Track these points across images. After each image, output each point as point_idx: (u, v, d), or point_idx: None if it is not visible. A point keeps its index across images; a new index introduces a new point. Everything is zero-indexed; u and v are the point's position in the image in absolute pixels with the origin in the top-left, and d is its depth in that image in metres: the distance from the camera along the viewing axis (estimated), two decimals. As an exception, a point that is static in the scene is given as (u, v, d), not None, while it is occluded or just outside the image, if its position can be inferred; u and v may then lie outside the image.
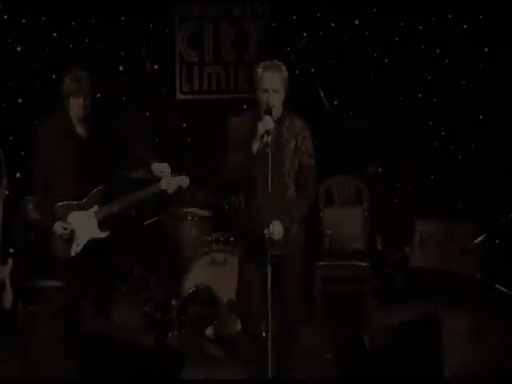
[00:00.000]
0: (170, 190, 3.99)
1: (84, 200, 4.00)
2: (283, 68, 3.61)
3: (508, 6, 5.30)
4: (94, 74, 5.85)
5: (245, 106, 4.79)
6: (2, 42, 5.88)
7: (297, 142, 3.65)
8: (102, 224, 4.01)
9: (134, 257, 5.79)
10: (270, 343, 3.36)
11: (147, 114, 6.04)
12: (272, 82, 3.54)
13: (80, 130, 3.98)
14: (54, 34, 5.92)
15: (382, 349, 3.32)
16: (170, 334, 4.57)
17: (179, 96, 6.09)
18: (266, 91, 3.54)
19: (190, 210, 5.36)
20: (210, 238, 4.95)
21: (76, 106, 3.88)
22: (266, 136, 3.41)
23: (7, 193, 4.01)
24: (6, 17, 5.88)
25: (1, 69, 5.93)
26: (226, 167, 3.63)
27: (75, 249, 3.98)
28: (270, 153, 3.36)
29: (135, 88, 5.60)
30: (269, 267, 3.36)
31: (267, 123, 3.43)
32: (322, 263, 4.83)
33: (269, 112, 3.48)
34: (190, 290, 4.65)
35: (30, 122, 5.97)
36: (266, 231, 3.40)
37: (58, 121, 3.97)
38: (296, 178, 3.67)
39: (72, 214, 3.98)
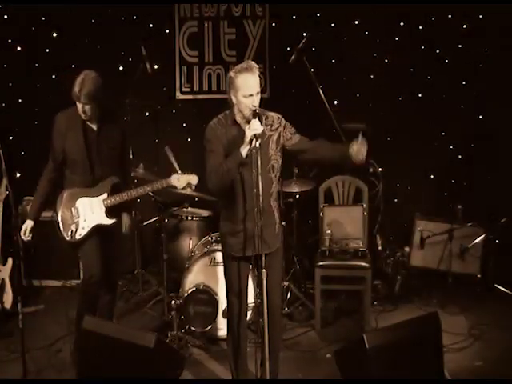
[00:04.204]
0: (180, 186, 4.12)
1: (95, 187, 4.13)
2: (256, 66, 3.54)
3: (507, 5, 5.29)
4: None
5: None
6: (2, 42, 5.89)
7: (279, 134, 3.67)
8: (110, 211, 4.14)
9: (134, 257, 5.80)
10: (266, 342, 3.36)
11: (147, 114, 6.05)
12: (255, 86, 3.50)
13: (90, 123, 4.10)
14: (54, 34, 5.93)
15: (382, 349, 3.32)
16: (169, 334, 4.57)
17: (179, 96, 6.10)
18: (251, 95, 3.50)
19: (189, 209, 5.37)
20: (210, 238, 4.96)
21: (79, 109, 4.02)
22: (254, 140, 3.41)
23: (7, 193, 4.03)
24: (5, 17, 5.88)
25: (1, 69, 5.94)
26: (215, 177, 3.55)
27: (80, 232, 4.11)
28: (259, 156, 3.38)
29: (135, 88, 5.60)
30: (264, 270, 3.38)
31: (256, 128, 3.41)
32: (321, 263, 4.82)
33: (256, 115, 3.46)
34: (190, 290, 4.65)
35: (30, 122, 5.99)
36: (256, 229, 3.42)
37: (71, 113, 4.08)
38: (304, 151, 3.70)
39: (81, 199, 4.12)
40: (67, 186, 4.14)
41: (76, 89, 3.95)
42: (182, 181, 4.12)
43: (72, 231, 4.11)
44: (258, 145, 3.39)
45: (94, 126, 4.11)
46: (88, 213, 4.13)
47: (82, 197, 4.13)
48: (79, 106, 4.00)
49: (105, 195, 4.13)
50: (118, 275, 4.46)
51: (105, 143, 4.12)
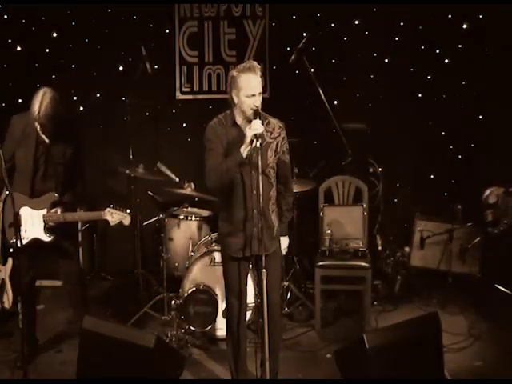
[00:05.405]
0: (112, 222, 4.17)
1: (37, 199, 4.15)
2: (258, 66, 3.54)
3: (507, 5, 5.29)
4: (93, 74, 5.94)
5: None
6: (2, 42, 5.89)
7: (277, 143, 3.67)
8: (49, 228, 4.16)
9: (133, 257, 5.79)
10: (266, 342, 3.36)
11: (147, 114, 6.05)
12: (258, 86, 3.50)
13: (44, 135, 4.08)
14: (54, 34, 5.93)
15: (382, 349, 3.33)
16: (169, 334, 4.57)
17: (179, 96, 6.10)
18: (254, 95, 3.50)
19: (189, 209, 5.37)
20: (209, 238, 4.96)
21: (37, 126, 4.02)
22: (255, 140, 3.41)
23: (7, 193, 4.03)
24: (5, 17, 5.88)
25: (1, 69, 5.94)
26: (214, 176, 3.55)
27: (21, 241, 4.10)
28: (259, 156, 3.38)
29: (135, 88, 5.60)
30: (264, 270, 3.38)
31: (257, 128, 3.42)
32: (321, 263, 4.82)
33: (257, 115, 3.46)
34: (190, 290, 4.65)
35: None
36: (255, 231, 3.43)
37: (27, 120, 4.07)
38: (278, 174, 3.74)
39: (24, 208, 4.14)
40: (12, 186, 4.10)
41: (35, 110, 3.95)
42: (115, 217, 4.15)
43: (16, 238, 4.06)
44: (258, 145, 3.40)
45: (47, 139, 4.10)
46: (29, 224, 4.16)
47: (26, 206, 4.15)
48: (37, 123, 4.00)
49: (44, 211, 4.15)
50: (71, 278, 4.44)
51: (54, 157, 4.13)
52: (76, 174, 4.27)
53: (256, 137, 3.40)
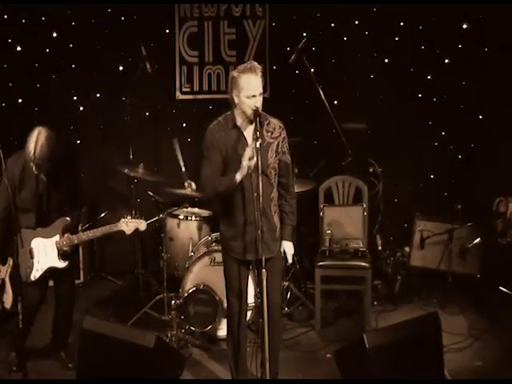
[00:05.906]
0: (128, 231, 4.15)
1: (47, 228, 4.12)
2: (259, 67, 3.53)
3: (507, 5, 5.29)
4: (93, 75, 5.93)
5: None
6: (2, 42, 5.89)
7: (278, 143, 3.67)
8: (63, 254, 4.13)
9: (133, 257, 5.80)
10: (266, 342, 3.35)
11: (147, 114, 6.05)
12: (258, 87, 3.49)
13: (41, 174, 4.05)
14: (54, 34, 5.93)
15: (382, 349, 3.33)
16: (169, 334, 4.57)
17: (179, 96, 6.10)
18: (254, 96, 3.49)
19: (189, 209, 5.37)
20: (209, 238, 4.96)
21: (33, 167, 3.97)
22: (255, 142, 3.40)
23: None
24: (5, 17, 5.88)
25: (1, 69, 5.94)
26: (210, 189, 3.57)
27: (35, 274, 4.12)
28: (259, 158, 3.36)
29: (135, 88, 5.60)
30: (264, 270, 3.37)
31: (257, 129, 3.42)
32: (321, 263, 4.82)
33: (257, 115, 3.46)
34: (190, 290, 4.65)
35: (30, 122, 5.98)
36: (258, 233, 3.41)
37: (23, 163, 4.03)
38: (279, 176, 3.73)
39: (35, 239, 4.11)
40: (22, 224, 4.09)
41: (30, 150, 3.87)
42: (131, 225, 4.14)
43: (27, 272, 4.09)
44: (258, 145, 3.39)
45: (45, 177, 4.06)
46: (42, 254, 4.12)
47: (36, 237, 4.12)
48: (32, 164, 3.94)
49: (57, 237, 4.12)
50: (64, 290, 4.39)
51: (54, 190, 4.11)
52: (76, 192, 4.24)
53: (257, 139, 3.38)
